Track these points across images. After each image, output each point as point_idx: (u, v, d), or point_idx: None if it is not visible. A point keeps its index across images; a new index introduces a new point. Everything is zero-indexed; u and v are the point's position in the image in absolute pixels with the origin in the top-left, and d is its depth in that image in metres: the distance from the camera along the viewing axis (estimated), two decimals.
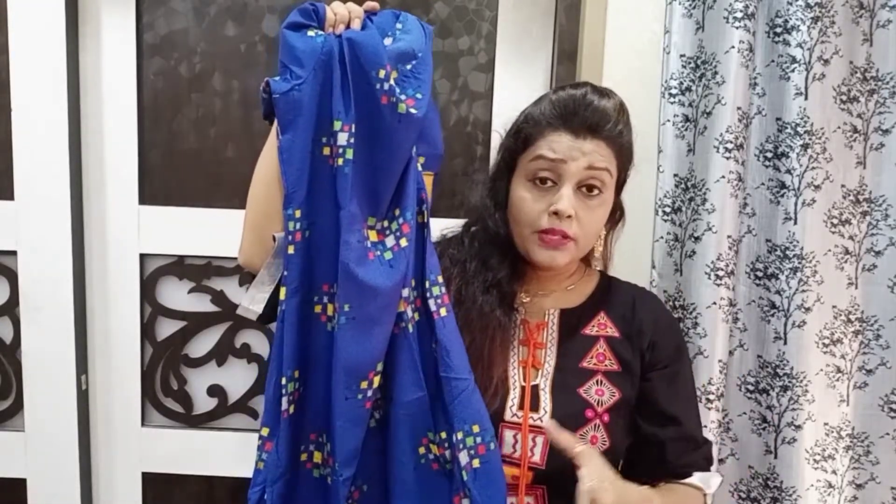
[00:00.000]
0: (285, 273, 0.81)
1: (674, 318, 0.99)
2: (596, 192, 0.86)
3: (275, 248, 0.84)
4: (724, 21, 1.13)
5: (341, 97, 0.79)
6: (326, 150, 0.80)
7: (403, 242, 0.82)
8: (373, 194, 0.82)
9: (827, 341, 1.21)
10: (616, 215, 0.97)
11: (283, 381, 0.81)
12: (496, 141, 1.00)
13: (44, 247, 1.31)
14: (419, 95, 0.81)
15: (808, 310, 1.17)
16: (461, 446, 0.81)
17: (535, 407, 0.87)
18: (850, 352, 1.22)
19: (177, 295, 1.39)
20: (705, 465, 0.91)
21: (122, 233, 1.35)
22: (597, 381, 0.89)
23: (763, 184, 1.19)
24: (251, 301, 0.86)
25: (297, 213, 0.80)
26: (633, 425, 0.90)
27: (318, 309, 0.83)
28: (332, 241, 0.80)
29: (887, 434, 1.21)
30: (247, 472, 1.40)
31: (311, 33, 0.79)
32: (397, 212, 0.83)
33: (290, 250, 0.80)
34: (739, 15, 1.11)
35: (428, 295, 0.84)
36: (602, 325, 0.92)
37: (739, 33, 1.12)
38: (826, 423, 1.22)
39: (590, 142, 0.85)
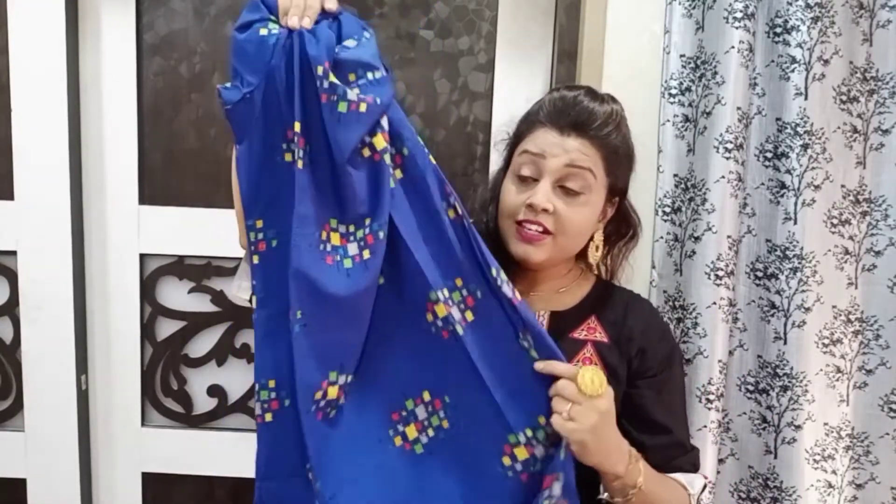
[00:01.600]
0: (254, 283, 0.79)
1: (666, 325, 0.98)
2: (579, 190, 0.85)
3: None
4: (723, 21, 1.13)
5: (299, 97, 0.75)
6: (288, 157, 0.77)
7: (366, 254, 0.79)
8: (333, 195, 0.79)
9: (827, 341, 1.21)
10: (623, 229, 0.96)
11: (257, 387, 0.79)
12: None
13: (44, 247, 1.31)
14: (379, 100, 0.77)
15: (807, 310, 1.17)
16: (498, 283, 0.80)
17: None
18: (849, 352, 1.22)
19: (177, 295, 1.39)
20: (692, 470, 0.90)
21: (122, 233, 1.35)
22: None
23: (763, 184, 1.19)
24: (238, 289, 0.87)
25: (259, 224, 0.78)
26: (621, 430, 0.86)
27: (292, 315, 0.79)
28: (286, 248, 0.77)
29: (887, 434, 1.21)
30: (247, 472, 1.40)
31: (262, 31, 0.75)
32: (367, 220, 0.79)
33: (255, 260, 0.79)
34: (739, 15, 1.11)
35: (499, 283, 0.80)
36: (591, 329, 0.91)
37: (739, 33, 1.12)
38: (826, 423, 1.22)
39: (574, 139, 0.85)
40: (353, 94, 0.75)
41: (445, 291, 0.80)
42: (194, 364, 1.41)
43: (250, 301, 0.82)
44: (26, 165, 1.29)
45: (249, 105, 0.76)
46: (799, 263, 1.16)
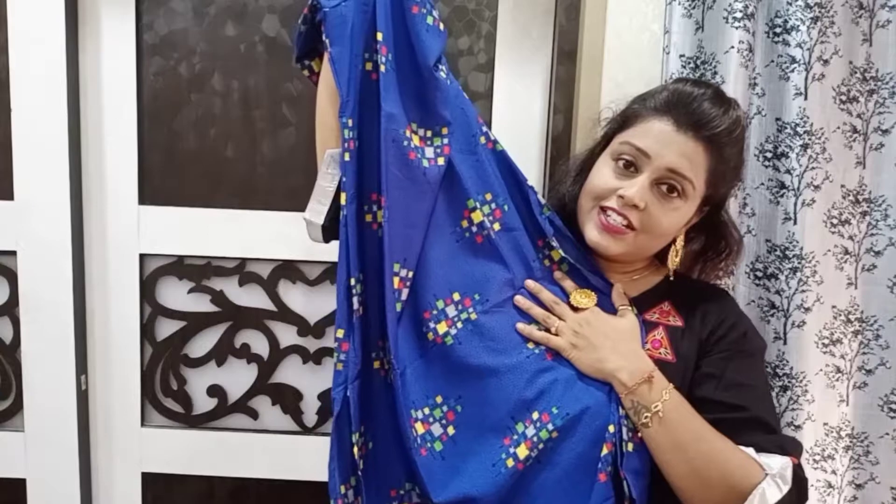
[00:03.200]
0: (344, 179, 0.84)
1: (742, 317, 0.90)
2: (675, 194, 0.83)
3: (324, 161, 0.87)
4: (723, 21, 1.13)
5: (382, 8, 0.83)
6: (369, 65, 0.84)
7: (441, 161, 0.87)
8: (415, 99, 0.86)
9: (826, 341, 1.21)
10: (721, 245, 0.93)
11: (352, 282, 0.83)
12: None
13: (44, 247, 1.31)
14: (443, 27, 0.88)
15: (807, 310, 1.17)
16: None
17: None
18: (849, 352, 1.22)
19: (177, 295, 1.39)
20: (777, 452, 0.79)
21: (122, 233, 1.35)
22: None
23: (763, 184, 1.19)
24: (312, 213, 0.88)
25: (350, 122, 0.83)
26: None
27: (368, 217, 0.86)
28: (377, 153, 0.83)
29: (887, 434, 1.21)
30: (247, 472, 1.41)
31: None
32: (444, 130, 0.88)
33: (346, 157, 0.83)
34: (739, 15, 1.11)
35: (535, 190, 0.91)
36: (665, 313, 0.88)
37: (739, 33, 1.12)
38: (826, 423, 1.22)
39: (688, 139, 0.81)
40: (434, 13, 0.86)
41: (476, 202, 0.90)
42: (194, 364, 1.41)
43: (322, 228, 0.88)
44: (26, 165, 1.29)
45: (344, 12, 0.83)
46: (799, 263, 1.16)
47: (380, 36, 0.83)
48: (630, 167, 0.84)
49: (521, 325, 0.87)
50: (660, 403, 0.78)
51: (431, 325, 0.87)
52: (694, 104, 0.82)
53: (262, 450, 1.40)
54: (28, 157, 1.28)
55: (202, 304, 1.39)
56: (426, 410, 0.85)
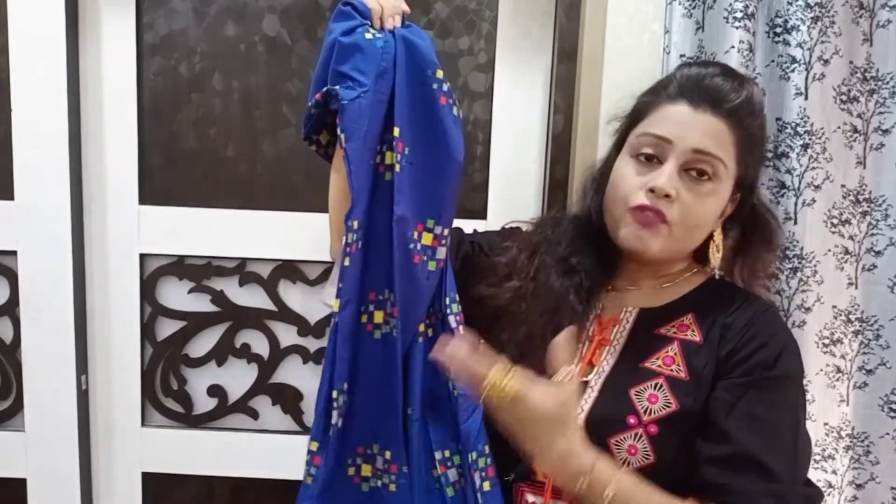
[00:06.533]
0: (340, 285, 0.80)
1: (781, 336, 0.79)
2: (706, 177, 0.77)
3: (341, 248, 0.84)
4: (724, 21, 1.12)
5: (403, 100, 0.78)
6: (389, 158, 0.79)
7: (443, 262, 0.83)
8: (431, 197, 0.81)
9: (827, 341, 1.21)
10: (753, 233, 0.86)
11: (335, 394, 0.79)
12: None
13: (44, 247, 1.31)
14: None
15: (808, 310, 1.17)
16: (475, 468, 0.79)
17: None
18: (850, 352, 1.22)
19: (177, 295, 1.39)
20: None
21: (122, 233, 1.35)
22: (655, 385, 0.78)
23: (763, 184, 1.18)
24: (330, 297, 0.86)
25: (355, 224, 0.79)
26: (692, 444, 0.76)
27: (364, 318, 0.82)
28: (384, 251, 0.79)
29: (887, 434, 1.21)
30: (247, 472, 1.41)
31: (368, 35, 0.77)
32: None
33: (346, 262, 0.79)
34: (739, 15, 1.11)
35: (448, 311, 0.82)
36: (683, 327, 0.81)
37: (739, 33, 1.11)
38: (826, 423, 1.22)
39: (708, 116, 0.76)
40: (457, 104, 0.81)
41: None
42: (194, 364, 1.41)
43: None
44: (26, 165, 1.29)
45: (364, 105, 0.77)
46: (799, 263, 1.16)
47: (396, 131, 0.78)
48: (653, 160, 0.78)
49: None
50: (606, 493, 0.68)
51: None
52: (706, 81, 0.78)
53: (262, 450, 1.40)
54: (28, 157, 1.28)
55: (202, 304, 1.39)
56: None
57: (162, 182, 1.36)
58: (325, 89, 0.78)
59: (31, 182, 1.29)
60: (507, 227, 1.01)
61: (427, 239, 0.81)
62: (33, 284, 1.32)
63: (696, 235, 0.82)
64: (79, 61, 1.31)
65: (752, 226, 0.87)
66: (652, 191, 0.77)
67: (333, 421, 0.80)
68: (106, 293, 1.37)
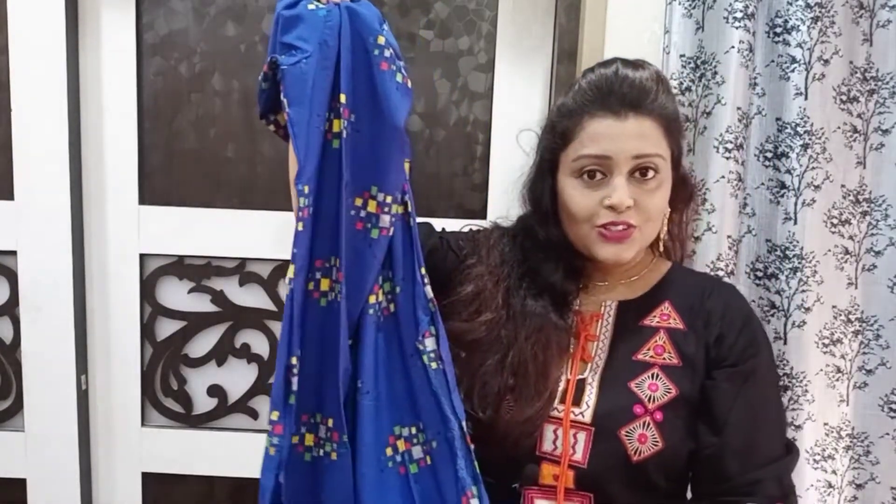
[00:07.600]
0: (294, 251, 0.80)
1: (750, 311, 0.88)
2: (651, 173, 0.80)
3: None
4: (723, 21, 1.12)
5: (346, 68, 0.78)
6: (336, 126, 0.79)
7: (391, 231, 0.82)
8: (376, 164, 0.81)
9: (827, 341, 1.21)
10: (683, 193, 0.91)
11: (293, 360, 0.80)
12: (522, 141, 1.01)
13: (44, 247, 1.31)
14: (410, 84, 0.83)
15: (807, 310, 1.17)
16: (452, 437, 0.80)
17: (577, 401, 0.82)
18: (849, 352, 1.22)
19: (177, 295, 1.39)
20: (776, 491, 0.78)
21: (122, 233, 1.35)
22: (652, 375, 0.82)
23: (763, 184, 1.19)
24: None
25: (306, 189, 0.79)
26: (696, 429, 0.81)
27: (310, 286, 0.82)
28: (332, 219, 0.80)
29: (887, 434, 1.21)
30: (247, 471, 1.41)
31: (310, 6, 0.78)
32: (401, 196, 0.83)
33: (300, 227, 0.80)
34: (739, 15, 1.11)
35: (425, 281, 0.83)
36: (665, 316, 0.85)
37: (739, 33, 1.11)
38: (826, 423, 1.22)
39: (633, 119, 0.79)
40: (403, 70, 0.80)
41: (379, 279, 0.84)
42: (194, 364, 1.41)
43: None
44: (26, 165, 1.29)
45: (304, 70, 0.77)
46: (799, 263, 1.16)
47: (343, 98, 0.78)
48: (596, 175, 0.82)
49: None
50: None
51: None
52: (616, 84, 0.80)
53: (263, 450, 1.40)
54: (28, 157, 1.28)
55: (202, 303, 1.39)
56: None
57: (162, 182, 1.36)
58: (268, 59, 0.79)
59: (31, 182, 1.29)
60: (464, 230, 1.00)
61: (372, 206, 0.82)
62: (33, 284, 1.32)
63: (657, 226, 0.86)
64: (79, 61, 1.31)
65: (679, 188, 0.90)
66: (612, 207, 0.80)
67: (294, 388, 0.80)
68: (106, 293, 1.37)
